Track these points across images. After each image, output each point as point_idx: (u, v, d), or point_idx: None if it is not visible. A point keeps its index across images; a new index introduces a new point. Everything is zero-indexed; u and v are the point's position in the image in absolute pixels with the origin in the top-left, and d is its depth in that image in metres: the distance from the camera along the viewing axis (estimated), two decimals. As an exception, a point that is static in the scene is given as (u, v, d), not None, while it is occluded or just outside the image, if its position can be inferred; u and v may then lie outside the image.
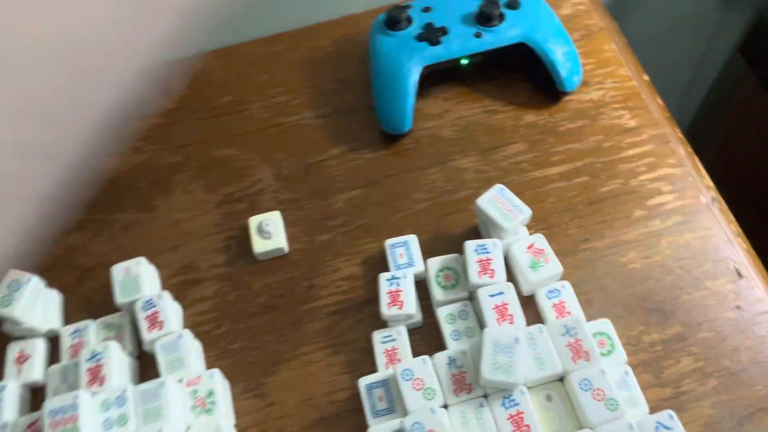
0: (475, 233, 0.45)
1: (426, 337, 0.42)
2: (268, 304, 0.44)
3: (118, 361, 0.39)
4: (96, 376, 0.39)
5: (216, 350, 0.42)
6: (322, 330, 0.43)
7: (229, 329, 0.43)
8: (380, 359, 0.40)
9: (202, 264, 0.46)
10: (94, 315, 0.44)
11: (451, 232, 0.46)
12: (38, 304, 0.42)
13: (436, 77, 0.50)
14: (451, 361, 0.37)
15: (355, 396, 0.40)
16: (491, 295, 0.38)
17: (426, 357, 0.37)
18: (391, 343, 0.40)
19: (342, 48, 0.55)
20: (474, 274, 0.39)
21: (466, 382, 0.36)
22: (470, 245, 0.40)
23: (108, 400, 0.37)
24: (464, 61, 0.49)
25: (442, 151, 0.49)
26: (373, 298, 0.43)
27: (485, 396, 0.36)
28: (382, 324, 0.42)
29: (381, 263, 0.45)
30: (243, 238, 0.47)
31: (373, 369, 0.41)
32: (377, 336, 0.41)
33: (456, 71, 0.51)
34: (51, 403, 0.36)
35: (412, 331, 0.42)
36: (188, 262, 0.46)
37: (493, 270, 0.39)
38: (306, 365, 0.42)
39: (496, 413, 0.35)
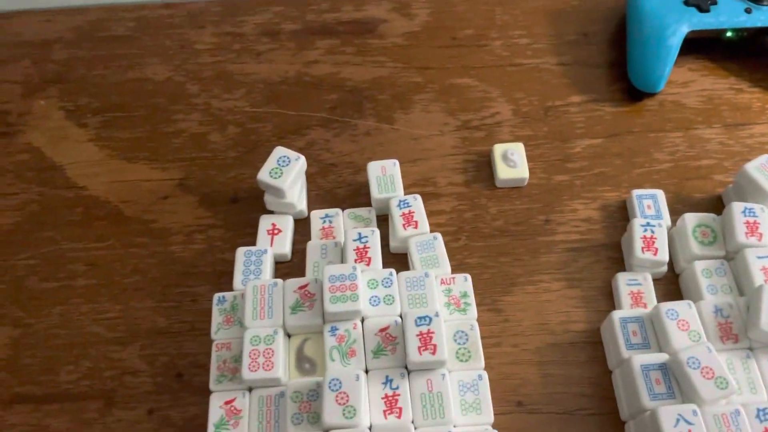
0: (718, 201, 0.45)
1: (664, 289, 0.42)
2: (504, 228, 0.45)
3: (379, 247, 0.41)
4: (363, 256, 0.40)
5: (454, 261, 0.44)
6: (559, 263, 0.44)
7: (466, 245, 0.45)
8: (625, 300, 0.41)
9: (440, 180, 0.47)
10: (335, 206, 0.46)
11: (692, 197, 0.46)
12: (298, 184, 0.44)
13: (684, 47, 0.50)
14: (718, 310, 0.37)
15: (591, 330, 0.41)
16: (759, 257, 0.38)
17: (690, 302, 0.38)
18: (636, 287, 0.41)
19: (586, 3, 0.56)
20: (741, 234, 0.39)
21: (733, 332, 0.37)
22: (737, 206, 0.40)
23: (375, 280, 0.39)
24: (729, 34, 0.49)
25: (685, 118, 0.49)
26: (611, 243, 0.44)
27: (750, 349, 0.36)
28: (620, 268, 0.43)
29: (619, 212, 0.45)
30: (481, 163, 0.48)
31: (610, 308, 0.41)
32: (622, 278, 0.41)
33: (705, 43, 0.51)
34: (331, 269, 0.38)
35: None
36: (427, 176, 0.48)
37: (761, 233, 0.39)
38: (541, 292, 0.43)
39: (763, 367, 0.35)
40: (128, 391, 0.40)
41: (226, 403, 0.37)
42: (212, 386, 0.37)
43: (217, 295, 0.40)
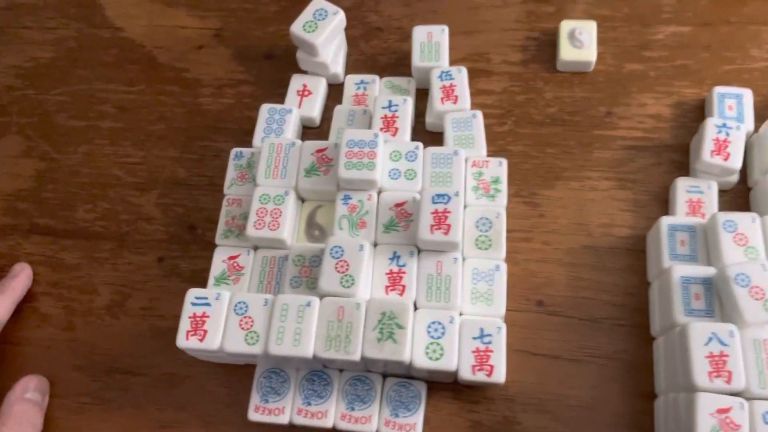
0: (818, 111, 0.39)
1: (730, 202, 0.37)
2: (557, 116, 0.40)
3: (410, 118, 0.37)
4: (390, 126, 0.37)
5: (494, 147, 0.40)
6: (613, 161, 0.39)
7: (511, 130, 0.40)
8: (681, 207, 0.36)
9: (494, 57, 0.43)
10: (375, 73, 0.42)
11: (787, 102, 0.39)
12: (335, 43, 0.41)
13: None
14: (786, 228, 0.32)
15: (636, 237, 0.37)
16: None
17: (755, 214, 0.33)
18: (697, 195, 0.36)
19: None
20: (836, 146, 0.33)
21: (799, 254, 0.32)
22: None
23: (398, 152, 0.36)
24: None
25: (798, 12, 0.42)
26: (679, 145, 0.39)
27: (817, 275, 0.31)
28: (682, 173, 0.38)
29: (696, 112, 0.40)
30: (544, 42, 0.43)
31: (662, 215, 0.37)
32: (682, 183, 0.36)
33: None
34: (350, 134, 0.35)
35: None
36: (481, 50, 0.43)
37: None
38: (587, 190, 0.38)
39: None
40: (141, 237, 0.39)
41: (230, 258, 0.35)
42: (218, 240, 0.36)
43: (234, 150, 0.38)
